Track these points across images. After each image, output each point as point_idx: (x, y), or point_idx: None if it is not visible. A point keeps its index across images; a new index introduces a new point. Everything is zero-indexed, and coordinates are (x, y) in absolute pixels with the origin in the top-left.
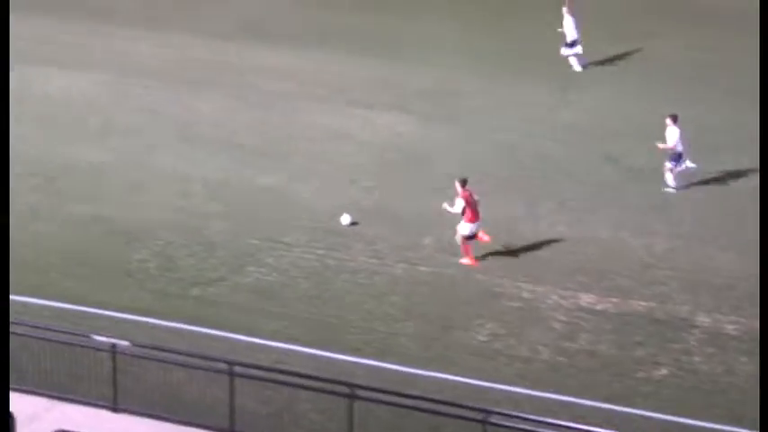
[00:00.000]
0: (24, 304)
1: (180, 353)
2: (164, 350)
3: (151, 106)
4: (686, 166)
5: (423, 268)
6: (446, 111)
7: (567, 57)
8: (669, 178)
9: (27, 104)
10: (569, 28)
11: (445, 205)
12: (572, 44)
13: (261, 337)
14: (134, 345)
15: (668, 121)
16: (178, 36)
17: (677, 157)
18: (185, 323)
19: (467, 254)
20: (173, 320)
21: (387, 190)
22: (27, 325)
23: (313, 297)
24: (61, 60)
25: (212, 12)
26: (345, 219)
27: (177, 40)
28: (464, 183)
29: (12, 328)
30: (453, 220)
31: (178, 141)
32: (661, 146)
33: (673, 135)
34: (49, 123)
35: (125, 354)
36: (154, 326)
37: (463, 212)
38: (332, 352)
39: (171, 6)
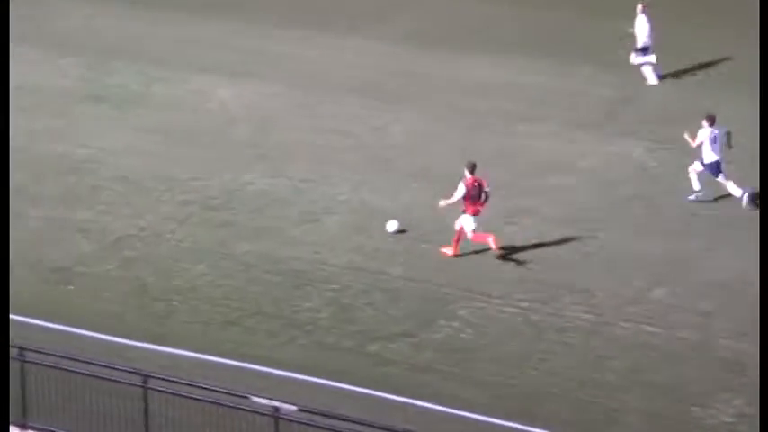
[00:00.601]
0: (173, 357)
1: (353, 420)
2: (334, 417)
3: (329, 124)
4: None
5: (650, 328)
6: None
7: (640, 66)
8: (693, 180)
9: (186, 118)
10: (641, 31)
11: (443, 202)
12: (644, 50)
13: (450, 406)
14: (300, 409)
15: (704, 121)
16: (360, 42)
17: (713, 167)
18: (361, 385)
19: (484, 239)
20: (346, 381)
21: (612, 231)
22: (174, 381)
23: (514, 359)
24: (230, 68)
25: (404, 15)
26: (392, 225)
27: (359, 47)
28: (473, 168)
29: (156, 384)
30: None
31: (361, 167)
32: (688, 138)
33: (703, 135)
34: (211, 141)
35: (290, 419)
36: (323, 387)
37: (464, 203)
38: (536, 427)
39: (354, 9)
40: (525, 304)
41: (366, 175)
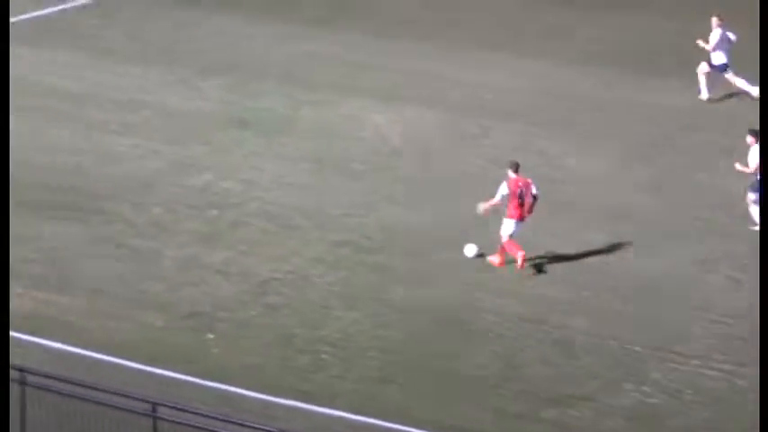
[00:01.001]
0: (321, 417)
1: None
2: None
3: (496, 153)
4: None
5: None
6: None
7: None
8: (754, 212)
9: (338, 146)
10: (716, 46)
11: (482, 206)
12: (723, 68)
13: None
14: None
15: (750, 138)
16: (522, 63)
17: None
18: None
19: (515, 252)
20: None
21: None
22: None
23: (714, 430)
24: (385, 90)
25: (574, 35)
26: (470, 250)
27: (520, 69)
28: (516, 167)
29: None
30: None
31: (536, 206)
32: (740, 167)
33: (756, 156)
34: (366, 173)
35: None
36: None
37: (507, 205)
38: None
39: (532, 27)
40: (728, 367)
41: (541, 215)
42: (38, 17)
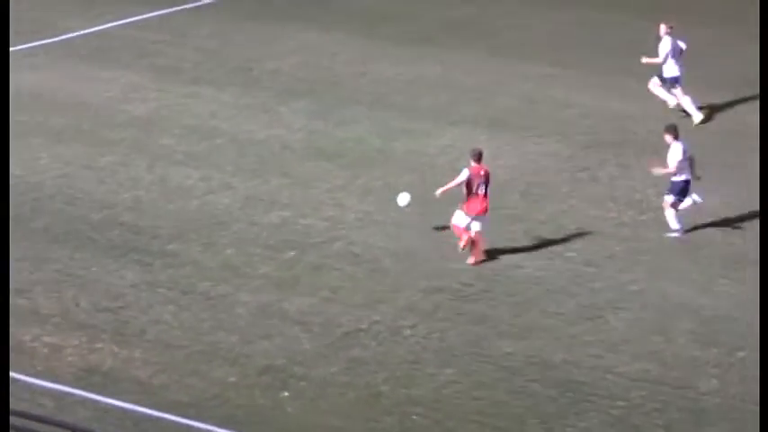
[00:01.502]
0: None
1: None
2: None
3: (616, 192)
4: (694, 201)
5: None
6: None
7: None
8: (671, 217)
9: (435, 181)
10: (667, 56)
11: (440, 190)
12: (674, 81)
13: None
14: None
15: (668, 137)
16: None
17: (680, 188)
18: None
19: (460, 236)
20: None
21: None
22: None
23: None
24: (489, 117)
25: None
26: (404, 198)
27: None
28: (478, 157)
29: None
30: None
31: (661, 250)
32: (658, 171)
33: (676, 154)
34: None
35: None
36: None
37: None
38: None
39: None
40: None
41: (667, 261)
42: (98, 32)
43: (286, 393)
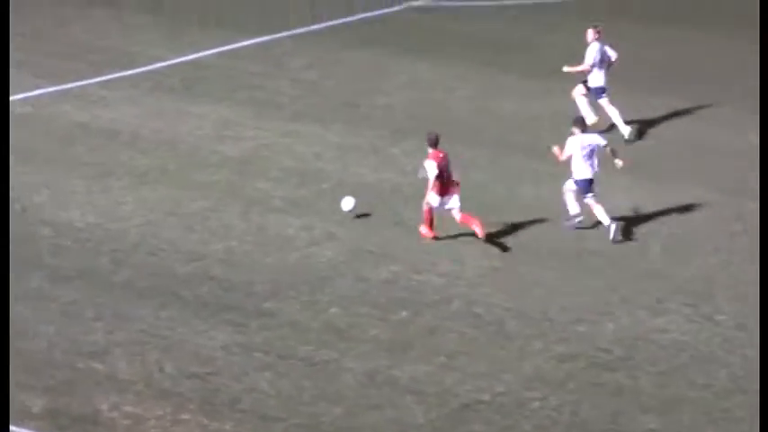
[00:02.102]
0: None
1: None
2: None
3: None
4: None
5: None
6: None
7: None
8: (570, 201)
9: (566, 231)
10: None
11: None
12: (599, 92)
13: None
14: None
15: (574, 128)
16: None
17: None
18: None
19: (427, 226)
20: None
21: None
22: None
23: None
24: (641, 166)
25: None
26: (348, 203)
27: None
28: (435, 142)
29: None
30: None
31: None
32: (556, 151)
33: (572, 146)
34: (604, 267)
35: None
36: None
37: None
38: None
39: None
40: None
41: None
42: (187, 62)
43: None
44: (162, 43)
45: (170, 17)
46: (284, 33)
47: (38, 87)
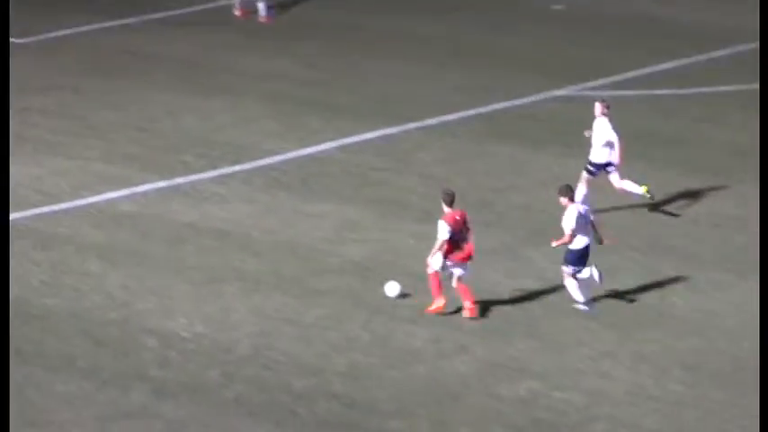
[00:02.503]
0: None
1: None
2: None
3: None
4: (592, 275)
5: None
6: None
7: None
8: (573, 289)
9: (722, 348)
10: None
11: (430, 259)
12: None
13: None
14: None
15: (562, 200)
16: None
17: (578, 257)
18: None
19: (435, 293)
20: None
21: None
22: None
23: None
24: None
25: None
26: (392, 288)
27: None
28: (451, 200)
29: None
30: None
31: None
32: (555, 243)
33: (570, 219)
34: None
35: None
36: None
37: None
38: None
39: None
40: None
41: None
42: (305, 157)
43: None
44: (279, 135)
45: (289, 107)
46: (412, 125)
47: (145, 182)
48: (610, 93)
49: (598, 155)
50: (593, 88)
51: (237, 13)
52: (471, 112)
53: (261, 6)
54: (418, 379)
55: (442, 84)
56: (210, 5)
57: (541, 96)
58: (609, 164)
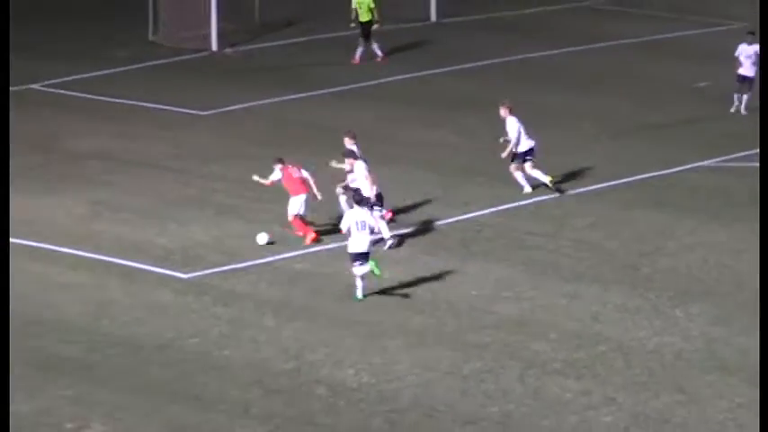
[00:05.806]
0: None
1: None
2: None
3: None
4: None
5: None
6: None
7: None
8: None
9: None
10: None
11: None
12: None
13: None
14: None
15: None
16: None
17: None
18: None
19: (303, 231)
20: None
21: None
22: None
23: None
24: None
25: None
26: (262, 238)
27: None
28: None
29: None
30: None
31: None
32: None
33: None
34: None
35: None
36: None
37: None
38: None
39: None
40: None
41: None
42: (465, 221)
43: None
44: (440, 199)
45: (446, 172)
46: (566, 192)
47: (316, 244)
48: (752, 164)
49: (522, 146)
50: (735, 159)
51: (355, 61)
52: (622, 180)
53: (375, 48)
54: (568, 428)
55: (592, 155)
56: (383, 80)
57: (687, 167)
58: (531, 150)
